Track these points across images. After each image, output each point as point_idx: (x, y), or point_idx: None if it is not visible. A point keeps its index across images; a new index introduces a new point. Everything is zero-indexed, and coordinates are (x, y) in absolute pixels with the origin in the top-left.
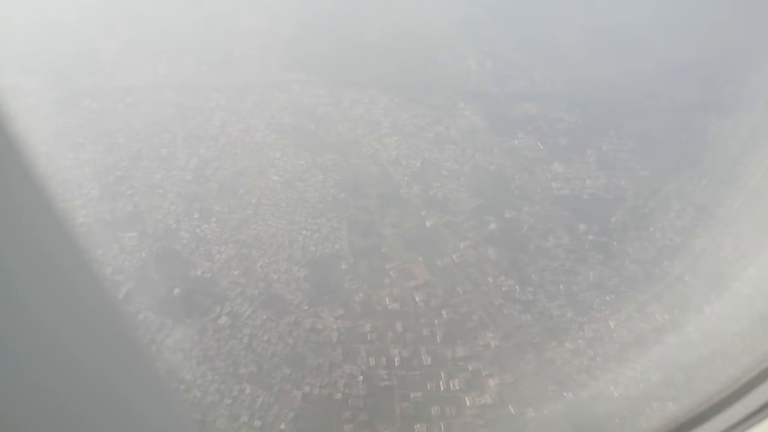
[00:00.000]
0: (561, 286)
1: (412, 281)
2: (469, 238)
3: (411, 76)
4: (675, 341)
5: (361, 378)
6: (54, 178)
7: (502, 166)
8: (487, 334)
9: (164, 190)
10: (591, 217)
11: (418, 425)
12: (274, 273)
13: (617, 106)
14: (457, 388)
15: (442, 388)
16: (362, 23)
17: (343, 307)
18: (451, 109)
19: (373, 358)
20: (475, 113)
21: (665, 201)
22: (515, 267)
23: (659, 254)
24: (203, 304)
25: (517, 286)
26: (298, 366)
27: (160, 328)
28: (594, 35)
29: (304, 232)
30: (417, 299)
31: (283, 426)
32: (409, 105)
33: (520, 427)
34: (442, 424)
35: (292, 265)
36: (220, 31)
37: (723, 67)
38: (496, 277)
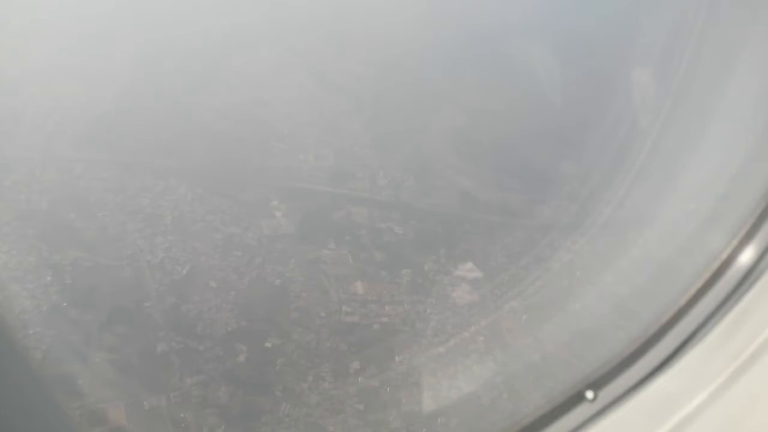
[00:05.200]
0: None
1: (96, 428)
2: (204, 372)
3: (228, 165)
4: None
5: None
6: None
7: (290, 281)
8: None
9: None
10: (373, 354)
11: None
12: None
13: (462, 222)
14: None
15: None
16: (201, 101)
17: None
18: (261, 207)
19: None
20: (287, 214)
21: (471, 340)
22: (245, 416)
23: (438, 409)
24: None
25: None
26: None
27: None
28: (472, 138)
29: None
30: None
31: None
32: (210, 199)
33: None
34: None
35: None
36: (26, 94)
37: (613, 186)
38: (214, 430)
